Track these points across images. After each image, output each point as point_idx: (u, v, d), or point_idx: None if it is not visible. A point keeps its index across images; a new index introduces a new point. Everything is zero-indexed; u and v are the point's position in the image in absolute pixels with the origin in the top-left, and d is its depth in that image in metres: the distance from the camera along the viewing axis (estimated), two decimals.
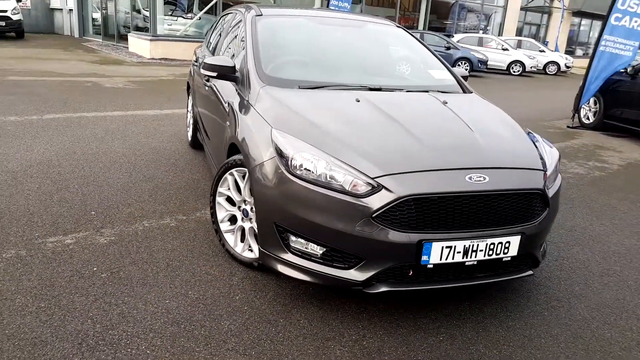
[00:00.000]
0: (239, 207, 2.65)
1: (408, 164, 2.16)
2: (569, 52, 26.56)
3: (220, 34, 4.20)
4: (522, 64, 18.09)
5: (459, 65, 16.06)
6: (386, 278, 2.16)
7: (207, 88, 3.70)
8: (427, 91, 3.03)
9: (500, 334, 2.23)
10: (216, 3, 14.49)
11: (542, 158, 2.45)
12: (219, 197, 2.74)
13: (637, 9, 7.18)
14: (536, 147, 2.55)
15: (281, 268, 2.27)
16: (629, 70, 7.12)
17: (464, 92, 3.24)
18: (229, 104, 2.98)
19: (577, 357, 2.11)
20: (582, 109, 7.88)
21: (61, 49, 14.24)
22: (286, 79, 2.86)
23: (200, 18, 14.75)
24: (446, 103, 2.81)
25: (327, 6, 13.25)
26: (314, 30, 3.45)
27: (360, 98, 2.70)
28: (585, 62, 7.67)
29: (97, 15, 18.24)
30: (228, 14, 4.26)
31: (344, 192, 2.09)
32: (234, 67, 3.00)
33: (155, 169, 4.16)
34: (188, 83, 5.11)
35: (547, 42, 25.02)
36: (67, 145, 4.62)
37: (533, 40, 21.58)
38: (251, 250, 2.59)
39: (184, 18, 15.18)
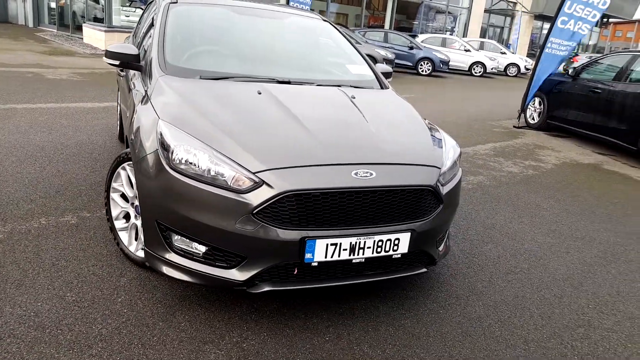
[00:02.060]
0: (132, 204, 2.51)
1: (293, 158, 2.07)
2: (531, 54, 27.21)
3: (144, 23, 4.02)
4: (484, 65, 18.43)
5: (421, 65, 16.21)
6: (270, 277, 2.07)
7: (121, 78, 3.54)
8: (339, 86, 2.96)
9: (390, 332, 2.18)
10: None
11: (438, 155, 2.41)
12: (112, 193, 2.60)
13: (582, 13, 7.35)
14: (436, 144, 2.51)
15: (165, 269, 2.15)
16: (570, 72, 7.27)
17: (382, 88, 3.19)
18: (132, 94, 2.83)
19: (461, 356, 2.08)
20: (528, 110, 8.03)
21: (10, 39, 13.59)
22: (188, 68, 2.73)
23: None
24: (354, 98, 2.75)
25: (287, 2, 13.09)
26: (231, 20, 3.32)
27: (262, 90, 2.60)
28: None
29: (53, 4, 17.53)
30: (152, 1, 4.08)
31: (226, 187, 1.99)
32: (138, 55, 2.85)
33: (73, 163, 3.96)
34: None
35: (510, 44, 25.55)
36: None
37: (495, 42, 22.02)
38: None
39: (142, 9, 14.74)
